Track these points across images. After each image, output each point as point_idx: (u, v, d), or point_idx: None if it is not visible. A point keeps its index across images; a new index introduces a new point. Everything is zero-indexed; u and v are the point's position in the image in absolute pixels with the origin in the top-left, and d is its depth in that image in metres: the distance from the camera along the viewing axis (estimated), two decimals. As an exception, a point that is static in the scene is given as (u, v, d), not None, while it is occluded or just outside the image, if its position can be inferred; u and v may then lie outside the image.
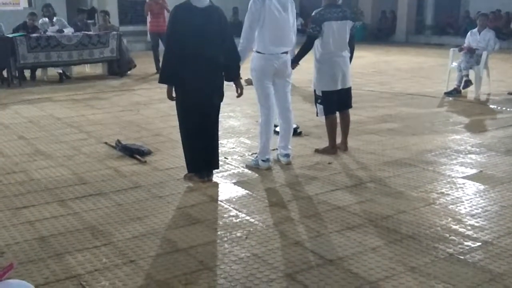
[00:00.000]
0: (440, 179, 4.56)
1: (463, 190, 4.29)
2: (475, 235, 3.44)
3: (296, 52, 5.19)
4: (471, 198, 4.11)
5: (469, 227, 3.56)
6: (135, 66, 11.30)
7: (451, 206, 3.95)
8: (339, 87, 5.17)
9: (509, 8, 18.13)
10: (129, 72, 11.23)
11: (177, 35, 4.22)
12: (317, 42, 5.05)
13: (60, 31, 10.47)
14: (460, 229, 3.53)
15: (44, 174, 4.71)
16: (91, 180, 4.54)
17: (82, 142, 5.81)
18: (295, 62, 5.08)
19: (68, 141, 5.87)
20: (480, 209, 3.88)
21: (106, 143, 5.73)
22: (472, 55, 8.57)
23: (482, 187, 4.36)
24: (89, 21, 12.02)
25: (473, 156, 5.25)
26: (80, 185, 4.43)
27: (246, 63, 4.76)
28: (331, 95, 5.16)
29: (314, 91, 5.30)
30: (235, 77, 4.50)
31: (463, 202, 4.03)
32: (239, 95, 4.54)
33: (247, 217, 3.75)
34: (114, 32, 10.92)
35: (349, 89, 5.30)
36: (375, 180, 4.53)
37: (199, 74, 4.25)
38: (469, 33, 8.90)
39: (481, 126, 6.80)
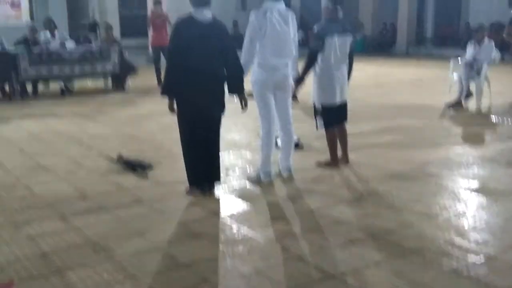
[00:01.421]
0: (442, 192, 4.54)
1: (466, 203, 4.27)
2: (478, 249, 3.41)
3: (298, 67, 5.18)
4: (474, 212, 4.09)
5: (472, 241, 3.54)
6: (134, 72, 11.21)
7: (454, 219, 3.93)
8: (338, 100, 5.17)
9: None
10: (130, 84, 11.20)
11: (179, 48, 4.23)
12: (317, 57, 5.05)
13: (62, 44, 10.50)
14: (464, 243, 3.51)
15: (45, 188, 4.70)
16: (93, 195, 4.53)
17: (83, 157, 5.80)
18: (301, 80, 5.08)
19: (70, 155, 5.87)
20: (483, 223, 3.86)
21: (107, 157, 5.72)
22: (473, 67, 8.59)
23: (484, 200, 4.34)
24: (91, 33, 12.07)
25: (475, 168, 5.23)
26: (81, 200, 4.42)
27: (247, 76, 4.77)
28: (330, 108, 5.17)
29: (314, 104, 5.31)
30: (238, 90, 4.48)
31: (466, 215, 4.01)
32: (244, 109, 4.52)
33: (249, 232, 3.73)
34: (116, 46, 10.95)
35: (345, 103, 5.31)
36: (377, 194, 4.52)
37: (200, 87, 4.26)
38: (468, 44, 8.94)
39: (483, 138, 6.80)
